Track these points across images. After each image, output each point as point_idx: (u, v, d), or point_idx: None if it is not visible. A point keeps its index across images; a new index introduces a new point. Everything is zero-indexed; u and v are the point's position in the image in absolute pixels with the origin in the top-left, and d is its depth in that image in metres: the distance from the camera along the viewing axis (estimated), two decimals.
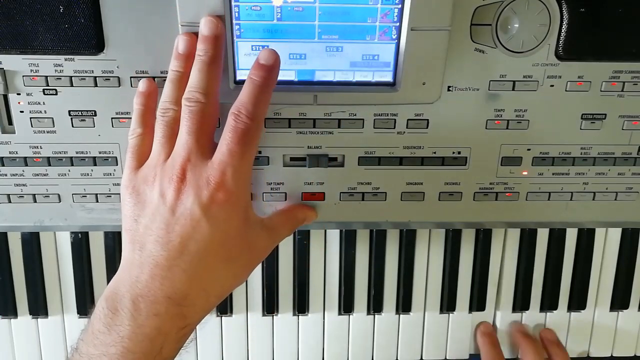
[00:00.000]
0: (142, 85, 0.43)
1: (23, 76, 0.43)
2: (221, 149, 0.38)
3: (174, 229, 0.37)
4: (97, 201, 0.48)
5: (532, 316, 0.59)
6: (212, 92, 0.40)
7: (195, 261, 0.37)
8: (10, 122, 0.45)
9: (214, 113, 0.40)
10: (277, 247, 0.55)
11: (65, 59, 0.43)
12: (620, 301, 0.58)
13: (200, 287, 0.38)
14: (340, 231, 0.55)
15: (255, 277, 0.56)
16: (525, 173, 0.49)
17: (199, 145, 0.39)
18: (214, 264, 0.39)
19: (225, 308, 0.56)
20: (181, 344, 0.39)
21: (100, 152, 0.46)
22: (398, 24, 0.41)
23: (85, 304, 0.55)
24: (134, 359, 0.36)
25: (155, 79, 0.43)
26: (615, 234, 0.57)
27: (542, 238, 0.57)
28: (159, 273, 0.37)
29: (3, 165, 0.46)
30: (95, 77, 0.43)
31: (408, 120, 0.46)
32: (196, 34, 0.40)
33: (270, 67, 0.39)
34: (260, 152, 0.47)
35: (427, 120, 0.46)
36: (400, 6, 0.40)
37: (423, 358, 0.59)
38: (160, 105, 0.41)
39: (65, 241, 0.54)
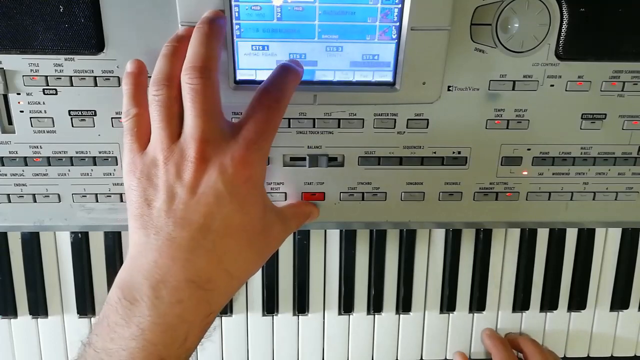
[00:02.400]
0: (129, 65, 0.41)
1: (23, 76, 0.43)
2: (247, 126, 0.37)
3: (197, 209, 0.36)
4: (97, 201, 0.48)
5: (532, 316, 0.59)
6: (214, 66, 0.37)
7: (218, 241, 0.36)
8: (10, 122, 0.45)
9: (217, 86, 0.38)
10: None
11: (65, 59, 0.43)
12: (620, 301, 0.58)
13: (223, 268, 0.37)
14: (340, 231, 0.55)
15: (255, 277, 0.56)
16: (525, 173, 0.49)
17: (212, 125, 0.37)
18: (235, 244, 0.37)
19: (225, 308, 0.56)
20: (204, 333, 0.38)
21: (100, 152, 0.46)
22: (398, 23, 0.41)
23: (85, 304, 0.55)
24: (156, 352, 0.34)
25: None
26: (615, 234, 0.57)
27: (542, 238, 0.57)
28: (180, 256, 0.35)
29: (3, 165, 0.46)
30: (95, 77, 0.44)
31: (408, 120, 0.46)
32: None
33: (294, 65, 0.40)
34: None
35: (427, 120, 0.46)
36: (400, 6, 0.40)
37: (423, 358, 0.59)
38: (152, 82, 0.38)
39: (65, 241, 0.54)
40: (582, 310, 0.59)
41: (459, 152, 0.48)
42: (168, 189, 0.36)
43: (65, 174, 0.47)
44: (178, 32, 0.40)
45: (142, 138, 0.38)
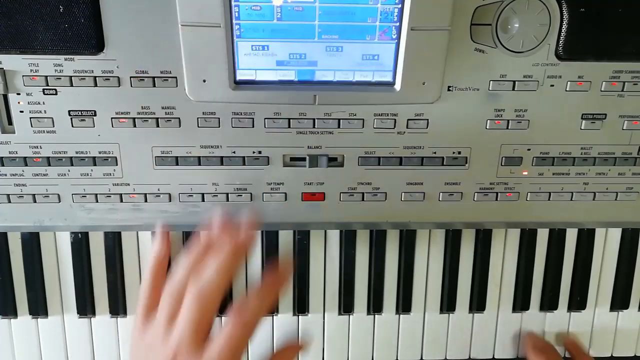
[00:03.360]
0: (156, 246, 0.47)
1: (23, 76, 0.43)
2: (213, 349, 0.39)
3: None
4: (97, 201, 0.48)
5: (532, 316, 0.59)
6: (219, 292, 0.41)
7: None
8: (10, 122, 0.45)
9: (216, 304, 0.41)
10: (276, 247, 0.55)
11: (65, 59, 0.43)
12: (620, 301, 0.58)
13: None
14: (340, 231, 0.55)
15: (256, 277, 0.56)
16: (525, 173, 0.49)
17: (194, 338, 0.39)
18: None
19: (224, 308, 0.56)
20: None
21: (100, 152, 0.46)
22: (398, 23, 0.41)
23: (85, 304, 0.55)
24: None
25: (155, 79, 0.43)
26: (615, 234, 0.57)
27: (542, 238, 0.57)
28: None
29: (3, 165, 0.46)
30: (95, 77, 0.44)
31: (408, 120, 0.46)
32: (230, 226, 0.44)
33: (278, 281, 0.43)
34: (260, 152, 0.47)
35: (427, 120, 0.46)
36: (400, 6, 0.40)
37: (423, 358, 0.59)
38: (171, 284, 0.42)
39: (65, 241, 0.54)
40: (582, 310, 0.59)
41: (459, 152, 0.48)
42: None
43: (65, 174, 0.47)
44: (212, 231, 0.45)
45: (150, 312, 0.44)
